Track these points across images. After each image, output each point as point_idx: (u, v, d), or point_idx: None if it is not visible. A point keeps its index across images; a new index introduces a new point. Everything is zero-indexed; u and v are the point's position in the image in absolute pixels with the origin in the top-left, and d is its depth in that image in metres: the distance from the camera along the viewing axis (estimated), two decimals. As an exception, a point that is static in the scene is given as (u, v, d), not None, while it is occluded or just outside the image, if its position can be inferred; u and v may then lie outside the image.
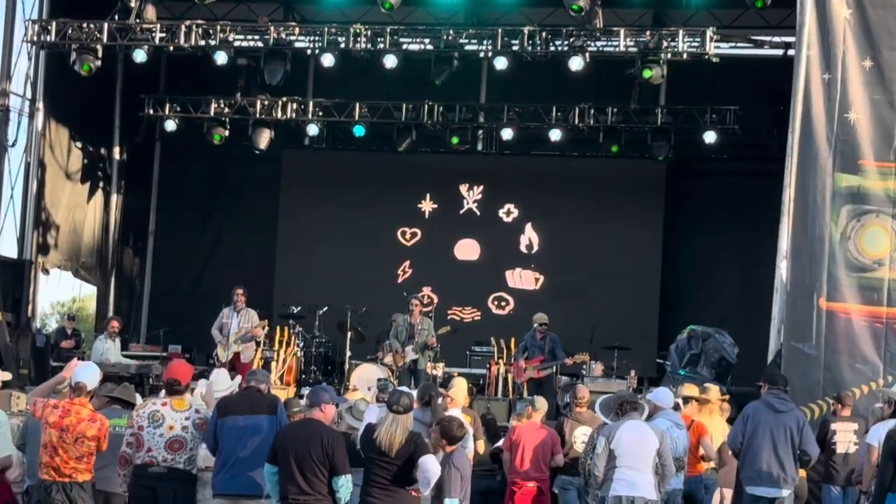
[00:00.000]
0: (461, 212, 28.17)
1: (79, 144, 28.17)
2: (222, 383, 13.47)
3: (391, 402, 11.48)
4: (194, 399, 13.18)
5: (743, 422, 13.64)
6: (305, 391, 21.29)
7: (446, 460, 11.82)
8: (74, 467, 11.99)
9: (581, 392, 16.33)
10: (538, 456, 15.32)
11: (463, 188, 28.13)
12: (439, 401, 14.13)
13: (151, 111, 27.76)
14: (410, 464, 11.10)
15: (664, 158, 26.72)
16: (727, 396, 17.61)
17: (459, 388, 14.83)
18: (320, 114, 27.27)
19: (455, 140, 27.43)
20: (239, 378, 13.90)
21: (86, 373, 12.33)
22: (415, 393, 13.82)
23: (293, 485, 11.03)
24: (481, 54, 25.11)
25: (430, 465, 11.05)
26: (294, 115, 27.20)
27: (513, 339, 22.99)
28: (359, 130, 27.21)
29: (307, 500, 11.05)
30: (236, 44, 25.07)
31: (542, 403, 15.92)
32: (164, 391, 12.43)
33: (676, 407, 15.52)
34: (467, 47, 24.75)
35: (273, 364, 22.46)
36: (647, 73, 23.10)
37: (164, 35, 24.40)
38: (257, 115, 27.07)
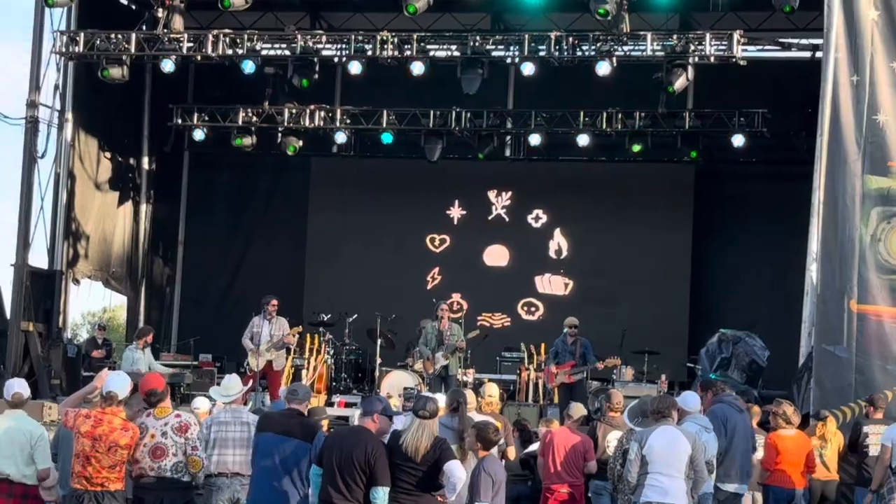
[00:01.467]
0: (490, 218, 28.15)
1: (108, 154, 28.24)
2: (232, 388, 13.49)
3: (417, 408, 11.50)
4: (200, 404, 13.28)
5: (722, 424, 13.56)
6: (336, 398, 21.44)
7: (479, 465, 11.80)
8: (107, 476, 12.03)
9: (615, 397, 16.33)
10: (571, 461, 15.33)
11: (491, 194, 28.12)
12: (471, 406, 14.18)
13: (180, 121, 27.85)
14: (436, 469, 11.11)
15: (693, 162, 26.70)
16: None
17: (491, 392, 14.85)
18: (348, 121, 27.28)
19: (480, 156, 27.36)
20: (248, 385, 13.93)
21: (117, 382, 12.38)
22: (441, 399, 13.82)
23: (334, 488, 11.10)
24: (508, 60, 25.12)
25: (455, 471, 11.06)
26: (322, 122, 27.20)
27: (543, 345, 22.99)
28: (386, 138, 27.20)
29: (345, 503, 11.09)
30: (263, 52, 25.13)
31: (578, 409, 15.93)
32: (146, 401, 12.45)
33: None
34: (494, 53, 24.78)
35: (304, 372, 22.53)
36: (670, 89, 23.12)
37: (191, 45, 24.47)
38: (285, 124, 27.11)
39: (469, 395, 15.39)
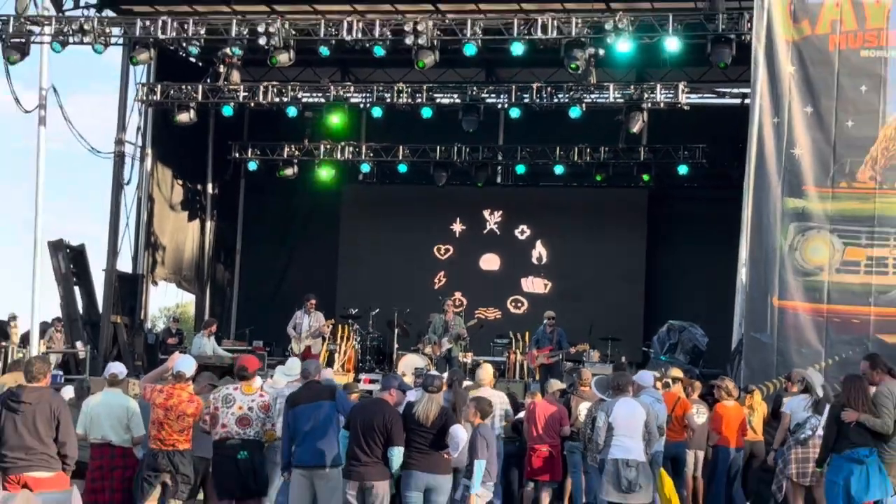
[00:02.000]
0: (484, 232, 28.14)
1: (179, 182, 28.28)
2: (293, 368, 13.49)
3: (426, 384, 11.61)
4: (276, 380, 13.25)
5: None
6: (363, 376, 21.39)
7: (475, 430, 11.79)
8: (177, 438, 12.09)
9: (585, 375, 16.35)
10: (550, 426, 15.35)
11: (486, 213, 28.12)
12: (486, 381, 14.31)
13: (237, 154, 27.97)
14: (443, 432, 11.16)
15: (646, 187, 26.71)
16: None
17: (486, 372, 14.82)
18: (371, 155, 27.37)
19: (479, 185, 27.37)
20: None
21: (185, 364, 12.51)
22: (445, 377, 13.83)
23: (359, 448, 11.15)
24: (499, 105, 25.15)
25: (458, 433, 11.16)
26: (350, 156, 27.30)
27: (527, 333, 22.98)
28: (402, 168, 27.29)
29: (367, 461, 11.12)
30: (303, 100, 25.18)
31: (555, 384, 15.94)
32: (236, 377, 12.45)
33: (658, 385, 15.49)
34: (488, 100, 24.84)
35: (336, 355, 22.51)
36: (630, 132, 23.17)
37: (246, 94, 24.53)
38: (321, 157, 27.18)
39: (486, 371, 15.42)
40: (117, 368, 13.24)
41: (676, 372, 16.72)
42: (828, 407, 13.21)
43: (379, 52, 21.68)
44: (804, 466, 13.60)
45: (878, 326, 18.21)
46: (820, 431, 13.41)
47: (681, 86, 22.78)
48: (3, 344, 22.59)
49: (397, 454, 11.10)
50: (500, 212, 28.07)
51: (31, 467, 10.61)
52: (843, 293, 18.46)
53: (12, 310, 25.25)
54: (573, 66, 20.70)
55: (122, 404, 12.43)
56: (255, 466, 12.14)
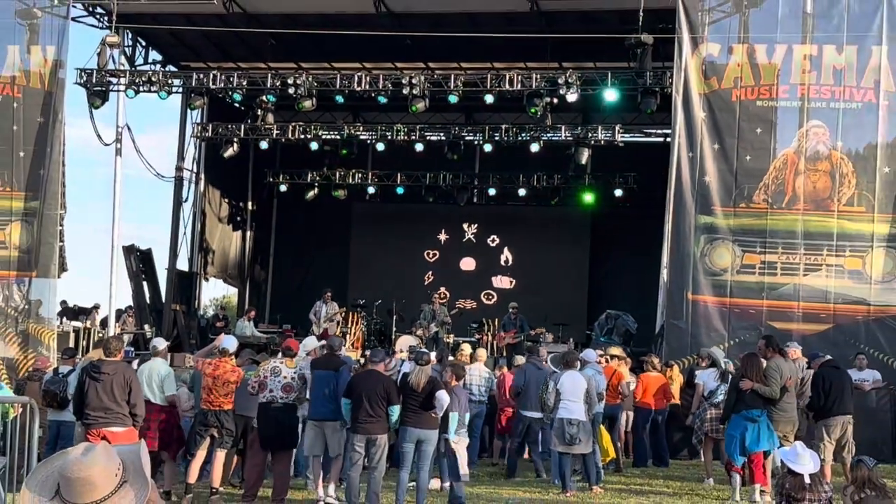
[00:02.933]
0: (464, 240, 28.15)
1: (226, 200, 28.29)
2: (310, 344, 13.52)
3: (417, 359, 11.68)
4: (299, 357, 13.30)
5: (523, 374, 13.38)
6: (367, 353, 21.41)
7: (452, 390, 11.84)
8: (222, 401, 12.13)
9: (541, 352, 16.36)
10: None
11: (465, 225, 28.14)
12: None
13: (271, 179, 27.96)
14: (430, 396, 11.20)
15: (590, 206, 26.80)
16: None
17: (482, 353, 15.00)
18: (376, 179, 27.37)
19: (461, 203, 27.44)
20: (324, 341, 13.93)
21: (229, 342, 12.55)
22: (433, 354, 13.88)
23: (363, 411, 11.13)
24: (475, 142, 25.22)
25: (442, 396, 11.22)
26: (360, 180, 27.30)
27: (496, 320, 23.01)
28: (400, 190, 27.30)
29: (372, 420, 11.18)
30: (323, 136, 25.22)
31: (518, 360, 15.94)
32: (281, 354, 12.48)
33: (600, 360, 15.56)
34: (466, 137, 24.91)
35: (347, 336, 22.55)
36: (583, 157, 23.27)
37: (278, 132, 24.60)
38: (336, 181, 27.19)
39: (482, 353, 15.58)
40: (158, 342, 13.25)
41: (613, 350, 16.81)
42: (730, 377, 13.37)
43: (382, 99, 21.76)
44: (716, 424, 13.72)
45: (769, 315, 18.34)
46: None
47: (617, 127, 22.89)
48: (88, 326, 22.62)
49: (396, 411, 11.19)
50: (476, 225, 28.11)
51: (108, 423, 10.69)
52: (742, 290, 18.56)
53: (95, 300, 25.30)
54: (533, 110, 20.80)
55: (158, 370, 12.41)
56: (293, 424, 12.22)
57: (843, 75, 18.38)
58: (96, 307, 24.21)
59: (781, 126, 18.61)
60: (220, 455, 12.23)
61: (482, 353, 15.68)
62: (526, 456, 16.44)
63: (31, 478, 3.57)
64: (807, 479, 8.54)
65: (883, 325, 17.98)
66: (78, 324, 22.66)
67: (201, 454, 12.28)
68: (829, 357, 14.01)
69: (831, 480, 10.48)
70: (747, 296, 18.50)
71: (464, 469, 11.58)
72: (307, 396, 12.35)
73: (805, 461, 8.60)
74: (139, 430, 11.85)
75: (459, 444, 11.66)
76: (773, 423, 12.28)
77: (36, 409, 8.34)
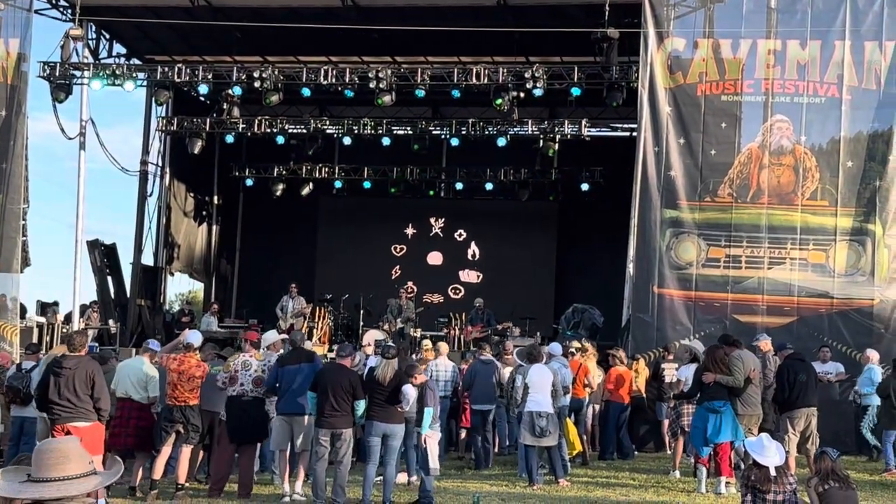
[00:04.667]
0: (431, 234, 28.10)
1: (191, 194, 28.06)
2: (270, 338, 13.44)
3: (384, 353, 11.63)
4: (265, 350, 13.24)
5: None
6: (335, 347, 21.34)
7: (424, 386, 11.80)
8: (187, 396, 12.07)
9: (508, 346, 16.46)
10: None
11: (432, 220, 28.07)
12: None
13: (237, 173, 27.74)
14: (397, 391, 11.16)
15: (556, 200, 26.82)
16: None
17: (445, 347, 15.05)
18: (343, 174, 27.26)
19: (427, 190, 27.43)
20: (284, 335, 13.85)
21: (193, 337, 12.52)
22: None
23: (328, 405, 11.09)
24: (442, 136, 25.18)
25: (408, 391, 11.21)
26: (326, 174, 27.17)
27: (463, 314, 22.98)
28: (367, 184, 27.19)
29: (336, 414, 11.12)
30: (289, 130, 25.08)
31: (443, 347, 15.88)
32: (249, 345, 12.43)
33: (565, 354, 15.59)
34: (433, 132, 24.86)
35: (314, 331, 22.44)
36: (550, 152, 23.29)
37: (244, 125, 24.42)
38: (303, 175, 27.04)
39: (444, 346, 15.57)
40: (153, 344, 13.19)
41: (577, 344, 16.83)
42: (688, 375, 13.48)
43: (349, 93, 21.68)
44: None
45: (734, 308, 18.45)
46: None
47: (584, 122, 22.90)
48: (52, 321, 22.39)
49: (362, 405, 11.15)
50: (443, 219, 28.06)
51: (72, 418, 10.61)
52: (707, 283, 18.64)
53: (59, 295, 25.05)
54: (498, 101, 20.76)
55: (144, 370, 12.41)
56: (262, 417, 12.18)
57: (806, 70, 18.50)
58: (55, 304, 23.89)
59: (746, 120, 18.71)
60: (186, 451, 12.15)
61: (444, 346, 15.62)
62: (496, 450, 16.48)
63: (2, 472, 3.62)
64: (772, 472, 8.59)
65: (846, 317, 18.12)
66: (42, 319, 22.43)
67: (166, 450, 12.20)
68: (792, 349, 14.09)
69: (796, 472, 10.56)
70: (712, 289, 18.57)
71: (434, 463, 11.55)
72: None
73: (771, 453, 8.64)
74: (117, 427, 11.80)
75: (431, 437, 11.63)
76: (740, 418, 12.36)
77: (-2, 405, 8.22)
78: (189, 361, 12.12)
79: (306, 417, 11.66)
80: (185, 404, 12.05)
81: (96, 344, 20.44)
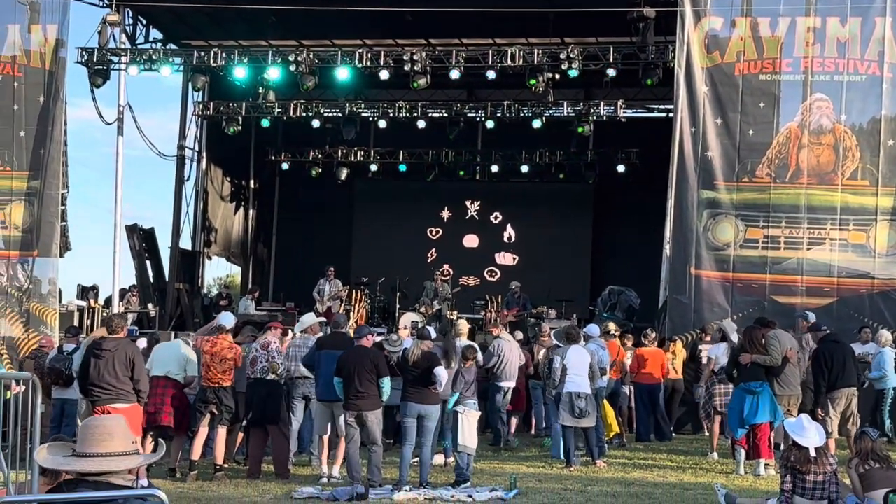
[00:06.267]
0: (467, 217, 28.07)
1: (228, 178, 28.21)
2: (308, 321, 13.47)
3: (419, 335, 11.68)
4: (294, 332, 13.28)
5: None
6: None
7: (459, 371, 11.83)
8: (220, 377, 12.18)
9: (544, 328, 16.43)
10: (516, 367, 15.48)
11: (468, 202, 28.04)
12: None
13: (273, 157, 27.85)
14: (429, 372, 11.18)
15: (592, 182, 26.72)
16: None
17: (464, 327, 14.94)
18: (378, 157, 27.30)
19: (462, 172, 27.43)
20: (322, 318, 13.88)
21: (225, 319, 12.67)
22: (433, 330, 13.86)
23: (352, 389, 11.15)
24: (477, 118, 25.11)
25: (440, 373, 11.25)
26: (362, 158, 27.22)
27: (499, 296, 22.94)
28: (402, 167, 27.23)
29: (363, 395, 11.18)
30: (325, 114, 25.12)
31: (517, 335, 15.94)
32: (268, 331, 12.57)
33: (602, 335, 15.56)
34: (468, 114, 24.79)
35: (351, 314, 22.50)
36: (581, 129, 23.18)
37: (280, 109, 24.48)
38: (339, 159, 27.10)
39: (463, 325, 15.49)
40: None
41: (610, 326, 16.78)
42: (718, 354, 13.46)
43: (384, 76, 21.66)
44: (725, 399, 13.70)
45: (772, 290, 18.29)
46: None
47: (619, 102, 22.76)
48: (92, 305, 22.63)
49: (386, 382, 11.21)
50: (479, 202, 28.01)
51: (112, 400, 10.74)
52: (745, 264, 18.49)
53: (100, 280, 25.29)
54: (532, 81, 20.65)
55: (183, 351, 12.52)
56: (279, 399, 12.26)
57: (846, 48, 18.26)
58: (95, 288, 24.12)
59: (785, 100, 18.49)
60: (222, 432, 12.25)
61: (464, 326, 15.57)
62: (532, 432, 16.50)
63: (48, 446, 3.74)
64: (812, 453, 8.53)
65: (887, 298, 17.93)
66: (82, 303, 22.66)
67: (203, 431, 12.31)
68: (827, 331, 13.93)
69: (835, 453, 10.47)
70: (750, 270, 18.42)
71: (466, 440, 11.55)
72: (299, 373, 12.39)
73: (811, 434, 8.59)
74: (154, 406, 11.92)
75: (468, 416, 11.63)
76: (778, 398, 12.28)
77: (38, 386, 8.31)
78: (221, 343, 12.20)
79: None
80: (219, 385, 12.15)
81: (136, 328, 20.63)
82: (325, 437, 12.18)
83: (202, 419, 12.22)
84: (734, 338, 14.18)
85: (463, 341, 14.54)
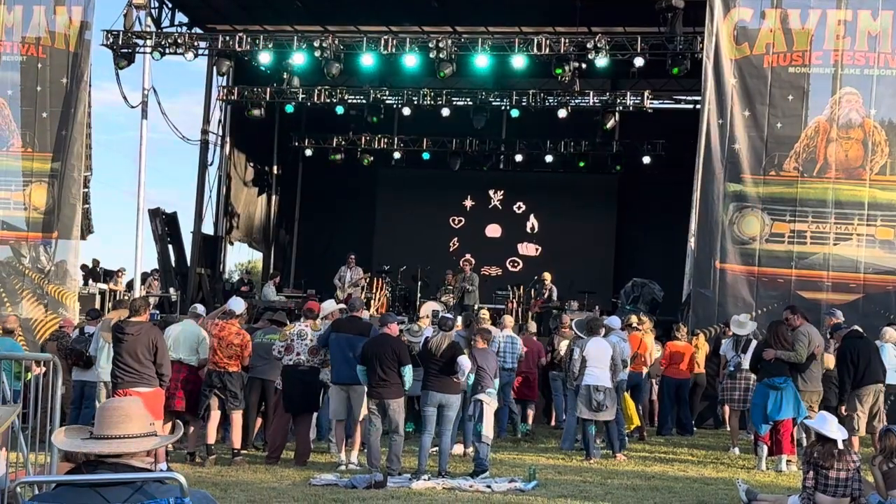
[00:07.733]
0: (489, 207, 28.08)
1: (251, 164, 28.28)
2: (329, 307, 13.45)
3: (441, 324, 11.69)
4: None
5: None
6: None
7: (476, 353, 11.77)
8: (227, 362, 12.23)
9: (564, 319, 16.41)
10: (529, 358, 15.54)
11: (491, 192, 28.05)
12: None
13: (296, 143, 27.93)
14: (452, 361, 11.17)
15: (617, 173, 26.61)
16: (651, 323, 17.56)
17: (510, 319, 15.03)
18: (402, 145, 27.29)
19: (485, 168, 27.38)
20: (343, 306, 13.88)
21: (234, 304, 12.69)
22: (459, 319, 13.85)
23: (375, 375, 11.17)
24: (502, 107, 25.06)
25: (463, 361, 11.22)
26: (385, 145, 27.23)
27: (521, 287, 22.89)
28: (426, 155, 27.23)
29: (385, 383, 11.22)
30: (349, 101, 25.11)
31: (532, 326, 15.93)
32: (303, 317, 12.53)
33: (624, 328, 15.51)
34: (493, 103, 24.73)
35: (372, 302, 22.52)
36: (605, 128, 23.11)
37: (304, 95, 24.49)
38: (362, 146, 27.13)
39: (508, 319, 15.58)
40: (199, 308, 13.33)
41: (637, 318, 16.71)
42: (754, 344, 13.31)
43: (409, 63, 21.60)
44: (743, 394, 13.65)
45: (798, 285, 18.17)
46: (745, 364, 13.42)
47: (646, 93, 22.67)
48: (114, 288, 22.74)
49: (408, 371, 11.23)
50: (502, 191, 28.00)
51: (134, 383, 10.77)
52: (771, 258, 18.38)
53: (122, 263, 25.44)
54: (558, 70, 20.55)
55: (195, 333, 12.47)
56: (316, 387, 12.27)
57: (877, 41, 18.09)
58: (121, 270, 24.31)
59: (814, 93, 18.35)
60: (237, 417, 12.29)
61: (509, 319, 15.61)
62: (552, 423, 16.48)
63: (66, 429, 3.77)
64: (839, 445, 8.47)
65: (914, 295, 17.78)
66: (104, 286, 22.78)
67: (215, 415, 12.36)
68: (852, 328, 13.81)
69: (860, 451, 10.41)
70: (776, 265, 18.32)
71: (486, 430, 11.54)
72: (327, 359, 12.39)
73: (835, 427, 8.53)
74: (167, 391, 11.95)
75: (488, 404, 11.61)
76: (801, 394, 12.20)
77: (59, 367, 8.35)
78: (229, 329, 12.24)
79: (360, 386, 11.72)
80: (224, 370, 12.19)
81: (157, 312, 20.74)
82: (343, 423, 12.20)
83: (206, 402, 12.25)
84: (737, 330, 14.06)
85: (509, 332, 14.68)
